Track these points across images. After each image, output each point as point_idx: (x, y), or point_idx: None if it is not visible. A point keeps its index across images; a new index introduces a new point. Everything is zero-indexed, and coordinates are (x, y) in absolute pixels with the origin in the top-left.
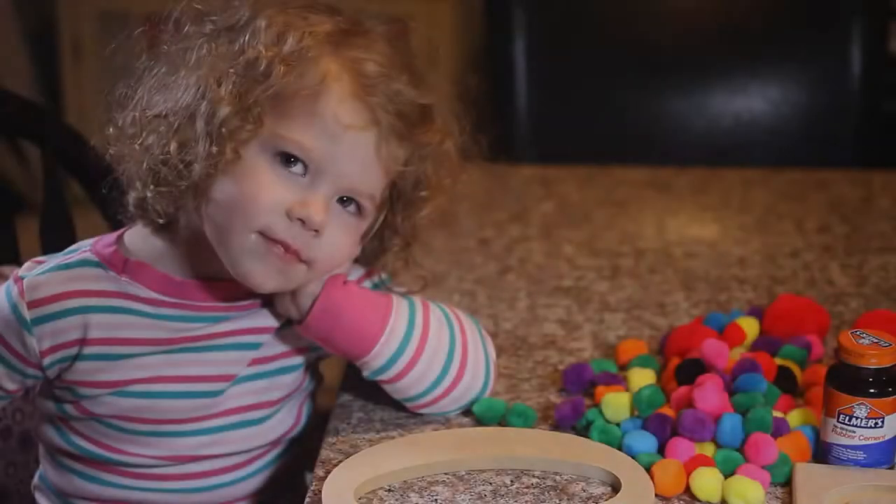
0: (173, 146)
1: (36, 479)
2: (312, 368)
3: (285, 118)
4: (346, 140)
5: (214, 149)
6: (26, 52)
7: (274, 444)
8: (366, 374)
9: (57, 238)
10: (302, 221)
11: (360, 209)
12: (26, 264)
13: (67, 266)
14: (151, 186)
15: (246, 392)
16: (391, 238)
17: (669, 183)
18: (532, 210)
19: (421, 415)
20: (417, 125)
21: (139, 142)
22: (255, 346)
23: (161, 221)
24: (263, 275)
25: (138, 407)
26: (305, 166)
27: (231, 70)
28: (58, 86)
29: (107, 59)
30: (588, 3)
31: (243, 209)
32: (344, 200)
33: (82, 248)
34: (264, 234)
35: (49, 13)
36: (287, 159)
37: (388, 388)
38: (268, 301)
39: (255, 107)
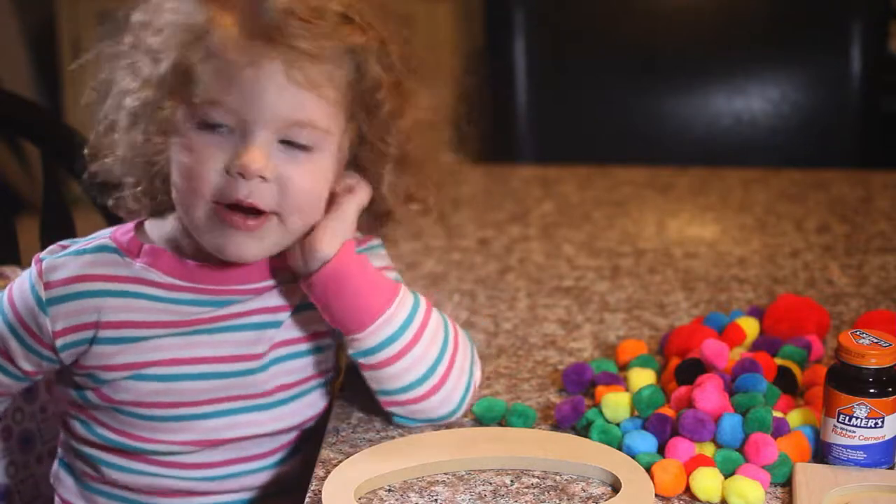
0: (124, 143)
1: (56, 467)
2: (333, 354)
3: (192, 86)
4: (249, 79)
5: (141, 137)
6: (26, 52)
7: (297, 430)
8: (351, 352)
9: (57, 238)
10: (241, 175)
11: (308, 145)
12: (50, 247)
13: (85, 251)
14: (131, 181)
15: (265, 375)
16: (375, 159)
17: (669, 183)
18: (532, 210)
19: None
20: (328, 35)
21: (104, 150)
22: (276, 324)
23: (158, 198)
24: (236, 245)
25: (156, 390)
26: (230, 126)
27: (130, 62)
28: (58, 86)
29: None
30: (588, 4)
31: (189, 184)
32: (290, 142)
33: (102, 235)
34: (221, 202)
35: (49, 13)
36: (211, 125)
37: (368, 374)
38: (282, 281)
39: (163, 86)
